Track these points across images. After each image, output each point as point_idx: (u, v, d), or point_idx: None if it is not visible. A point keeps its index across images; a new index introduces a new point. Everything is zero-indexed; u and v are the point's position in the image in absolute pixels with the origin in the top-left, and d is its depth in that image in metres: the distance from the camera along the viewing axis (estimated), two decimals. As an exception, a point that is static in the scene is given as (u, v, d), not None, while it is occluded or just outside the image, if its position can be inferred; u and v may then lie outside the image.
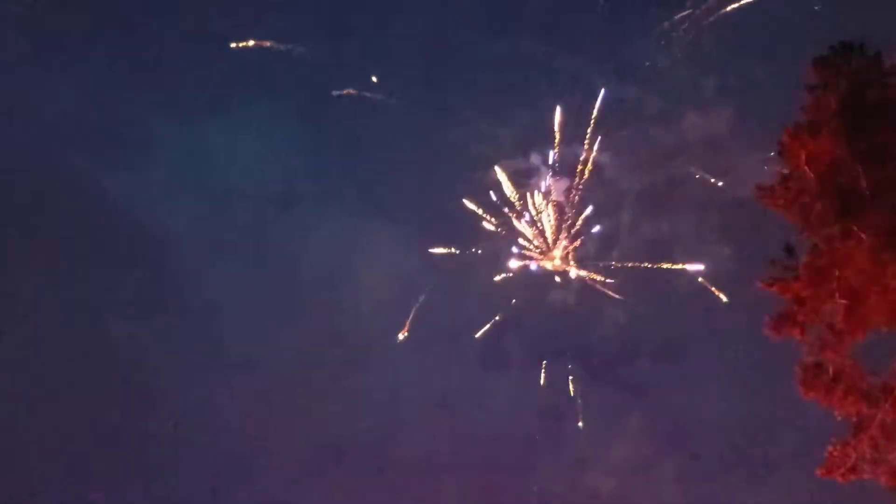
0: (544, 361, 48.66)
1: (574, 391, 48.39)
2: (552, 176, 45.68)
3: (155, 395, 47.45)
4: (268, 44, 46.78)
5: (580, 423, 48.12)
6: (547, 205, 45.84)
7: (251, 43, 46.63)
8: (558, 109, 44.96)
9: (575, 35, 47.10)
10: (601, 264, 47.02)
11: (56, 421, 45.93)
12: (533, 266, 46.90)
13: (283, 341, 48.79)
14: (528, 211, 46.10)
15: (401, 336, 47.21)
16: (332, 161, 51.05)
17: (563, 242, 46.92)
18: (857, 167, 17.23)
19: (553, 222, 46.48)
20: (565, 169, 46.44)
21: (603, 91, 45.08)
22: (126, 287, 49.08)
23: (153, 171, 50.03)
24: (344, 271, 49.74)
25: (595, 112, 44.84)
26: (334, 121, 49.55)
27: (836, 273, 17.23)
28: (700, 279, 45.24)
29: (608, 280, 47.36)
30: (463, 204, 45.98)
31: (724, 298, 44.71)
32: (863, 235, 16.99)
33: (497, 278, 46.37)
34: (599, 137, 45.65)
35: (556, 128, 44.92)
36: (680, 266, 45.43)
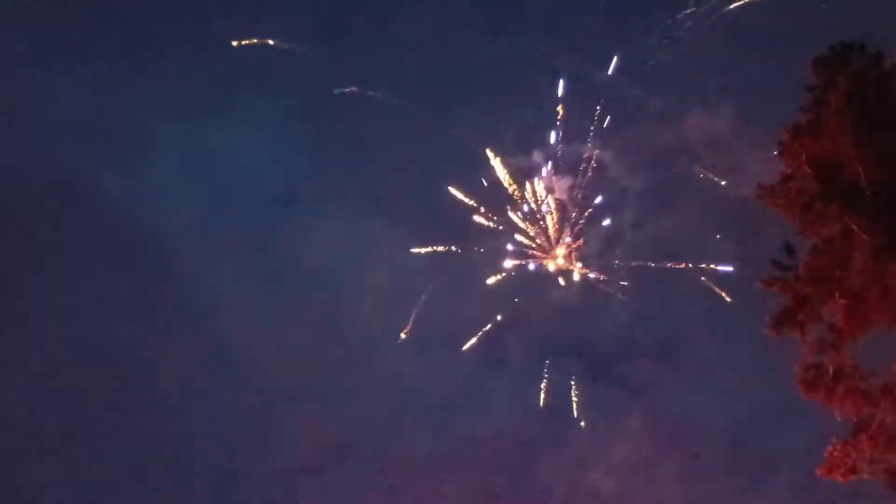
0: (545, 361, 48.71)
1: (575, 390, 48.39)
2: (555, 162, 45.38)
3: (155, 395, 47.44)
4: (270, 42, 46.78)
5: (581, 423, 48.13)
6: (547, 195, 45.61)
7: (253, 41, 46.63)
8: (561, 82, 44.70)
9: (576, 34, 47.07)
10: (617, 263, 46.83)
11: (55, 421, 45.91)
12: (531, 266, 46.85)
13: (284, 341, 48.78)
14: (526, 202, 45.92)
15: (402, 335, 47.21)
16: (333, 160, 51.00)
17: (566, 240, 46.77)
18: (857, 167, 17.23)
19: (555, 220, 46.38)
20: (567, 167, 46.39)
21: (605, 89, 45.14)
22: (126, 287, 49.01)
23: (153, 171, 50.04)
24: (345, 271, 49.73)
25: (597, 110, 44.84)
26: (336, 120, 49.49)
27: (837, 273, 17.24)
28: (703, 278, 45.16)
29: (611, 279, 47.34)
30: (463, 202, 45.92)
31: (726, 298, 44.65)
32: (863, 235, 16.99)
33: (490, 280, 46.21)
34: (602, 136, 45.64)
35: (560, 94, 44.44)
36: (709, 266, 45.15)
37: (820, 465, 17.89)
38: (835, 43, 18.05)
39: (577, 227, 46.94)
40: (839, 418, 17.62)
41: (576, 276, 47.22)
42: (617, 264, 47.45)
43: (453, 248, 46.94)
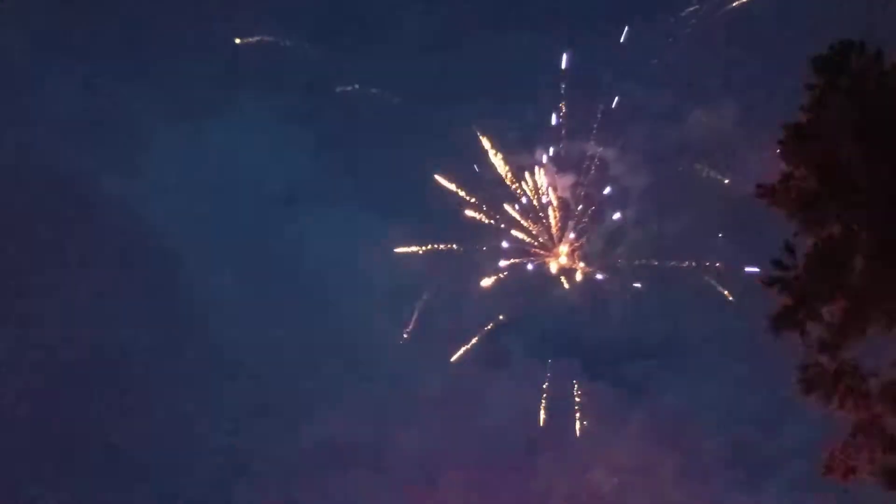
0: (546, 360, 48.72)
1: (576, 390, 48.38)
2: (556, 148, 45.19)
3: (154, 395, 47.50)
4: (269, 39, 46.77)
5: (582, 423, 48.10)
6: (548, 188, 45.47)
7: (255, 39, 46.64)
8: (565, 56, 44.61)
9: (581, 31, 47.11)
10: (620, 262, 46.68)
11: (55, 421, 45.96)
12: (530, 266, 46.75)
13: (284, 341, 48.84)
14: (525, 195, 45.79)
15: (405, 335, 47.17)
16: (333, 160, 51.14)
17: (570, 236, 46.56)
18: (857, 166, 17.17)
19: (557, 214, 46.19)
20: (570, 164, 46.29)
21: (608, 86, 45.07)
22: (126, 286, 49.15)
23: (153, 171, 50.12)
24: (345, 271, 49.83)
25: (601, 107, 44.75)
26: (336, 119, 49.66)
27: (837, 273, 17.19)
28: (707, 278, 45.05)
29: (614, 279, 47.21)
30: (465, 201, 45.82)
31: (729, 297, 44.57)
32: (863, 235, 16.95)
33: (485, 283, 46.15)
34: (605, 134, 45.57)
35: (563, 67, 44.25)
36: (713, 265, 44.98)
37: (819, 465, 17.86)
38: (834, 42, 17.99)
39: (581, 225, 46.83)
40: (839, 418, 17.59)
41: (578, 276, 47.17)
42: (620, 263, 47.45)
43: (454, 246, 46.92)
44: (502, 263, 46.72)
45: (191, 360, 48.25)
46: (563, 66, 44.99)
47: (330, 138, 50.97)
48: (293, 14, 49.79)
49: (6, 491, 43.33)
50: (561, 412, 48.14)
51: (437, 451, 47.92)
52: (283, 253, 50.63)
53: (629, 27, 45.39)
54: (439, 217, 47.11)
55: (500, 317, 47.98)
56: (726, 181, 45.02)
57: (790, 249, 17.78)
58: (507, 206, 46.07)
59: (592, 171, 46.11)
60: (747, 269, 43.94)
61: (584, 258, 47.31)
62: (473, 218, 46.01)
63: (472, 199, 46.00)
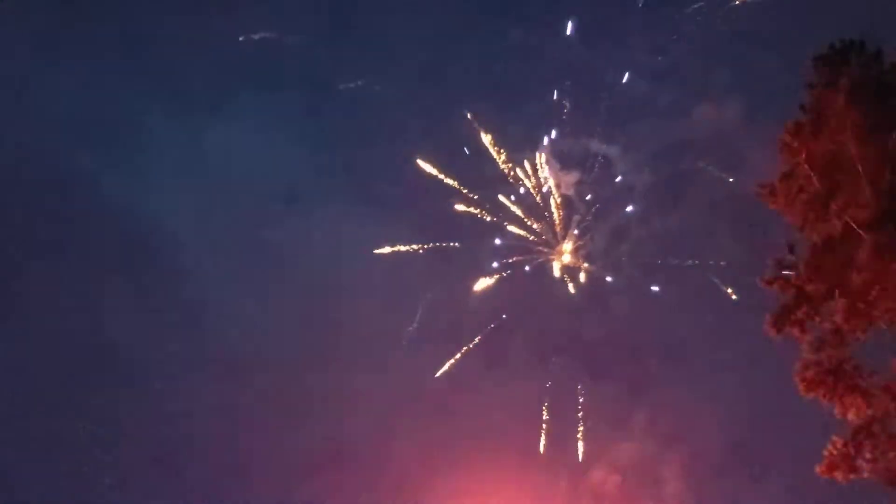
0: (547, 359, 48.65)
1: (576, 389, 48.34)
2: (559, 132, 44.95)
3: (154, 394, 47.45)
4: (268, 35, 46.78)
5: (583, 422, 48.08)
6: (549, 179, 45.25)
7: (256, 36, 46.63)
8: (570, 24, 44.49)
9: (585, 28, 47.02)
10: (643, 260, 46.25)
11: (55, 419, 45.90)
12: (527, 268, 46.62)
13: (282, 339, 48.79)
14: (529, 191, 45.60)
15: (406, 333, 47.14)
16: (333, 158, 51.03)
17: (574, 232, 46.37)
18: (857, 165, 17.18)
19: (558, 207, 45.98)
20: (573, 162, 46.14)
21: (612, 83, 44.98)
22: (125, 285, 49.05)
23: (153, 169, 50.10)
24: (345, 270, 49.70)
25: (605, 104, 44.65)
26: (338, 117, 49.60)
27: (837, 271, 17.21)
28: (715, 279, 44.91)
29: (618, 278, 47.04)
30: (468, 198, 45.67)
31: (733, 297, 44.44)
32: (864, 234, 16.96)
33: (485, 283, 46.01)
34: (609, 132, 45.45)
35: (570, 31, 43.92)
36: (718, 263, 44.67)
37: (820, 464, 17.88)
38: (835, 41, 18.01)
39: (584, 223, 46.63)
40: (839, 417, 17.60)
41: (582, 277, 46.97)
42: (623, 261, 47.28)
43: (456, 244, 46.78)
44: (504, 262, 46.68)
45: (190, 359, 48.24)
46: (569, 31, 44.72)
47: (330, 137, 50.98)
48: (293, 14, 49.81)
49: (6, 489, 43.38)
50: (562, 412, 48.17)
51: (438, 451, 47.92)
52: (283, 251, 50.62)
53: (633, 24, 45.49)
54: (440, 216, 47.08)
55: (504, 316, 47.94)
56: (730, 179, 44.84)
57: (791, 248, 17.82)
58: (509, 204, 45.98)
59: (596, 169, 46.01)
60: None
61: (587, 257, 47.15)
62: (475, 216, 45.98)
63: (475, 197, 45.96)
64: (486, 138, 45.01)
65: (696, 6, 44.31)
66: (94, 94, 48.71)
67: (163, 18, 48.86)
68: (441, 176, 45.83)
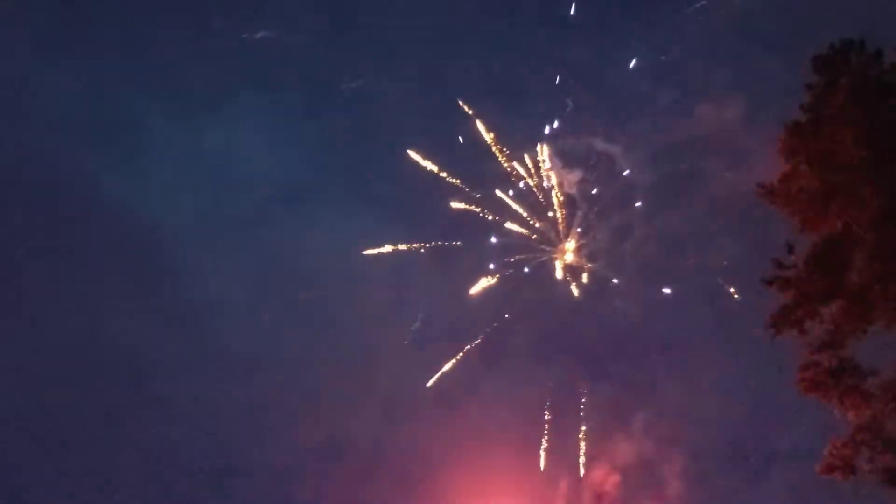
0: (548, 359, 48.60)
1: (578, 389, 48.32)
2: (562, 121, 44.77)
3: (153, 394, 47.42)
4: (271, 39, 46.75)
5: (584, 422, 48.08)
6: (551, 170, 45.09)
7: (255, 37, 46.62)
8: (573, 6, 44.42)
9: (588, 26, 46.96)
10: (645, 259, 46.03)
11: (55, 418, 45.90)
12: (526, 269, 46.52)
13: (283, 339, 48.76)
14: (532, 188, 45.44)
15: (408, 333, 47.09)
16: (334, 158, 50.98)
17: (577, 230, 46.25)
18: (857, 165, 17.18)
19: (560, 201, 45.84)
20: (576, 160, 46.02)
21: (615, 84, 44.90)
22: (124, 285, 49.02)
23: (153, 169, 50.05)
24: (345, 269, 49.63)
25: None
26: (338, 116, 49.54)
27: (836, 271, 17.20)
28: (718, 279, 44.78)
29: (620, 278, 46.95)
30: (471, 197, 45.57)
31: (735, 296, 44.33)
32: (863, 234, 16.95)
33: (486, 283, 45.90)
34: (612, 129, 45.33)
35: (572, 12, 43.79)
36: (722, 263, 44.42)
37: (820, 464, 17.89)
38: (835, 41, 17.99)
39: (587, 221, 46.50)
40: (838, 417, 17.61)
41: (585, 278, 46.84)
42: (626, 261, 47.16)
43: (459, 243, 46.69)
44: (506, 261, 46.61)
45: (189, 359, 48.19)
46: (572, 11, 44.59)
47: (330, 137, 50.92)
48: (293, 13, 49.78)
49: (5, 489, 43.37)
50: (563, 411, 48.12)
51: (438, 451, 47.88)
52: (283, 251, 50.58)
53: (636, 22, 45.44)
54: (441, 215, 47.01)
55: (506, 315, 47.87)
56: (734, 178, 44.70)
57: (790, 248, 17.81)
58: (510, 202, 45.88)
59: (599, 167, 45.91)
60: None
61: (590, 255, 47.02)
62: (477, 214, 45.92)
63: (478, 196, 45.88)
64: (482, 128, 44.89)
65: (698, 5, 44.28)
66: (94, 94, 48.69)
67: (163, 18, 48.86)
68: (443, 174, 45.80)
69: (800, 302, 17.43)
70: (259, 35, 47.21)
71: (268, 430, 48.08)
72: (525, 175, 45.23)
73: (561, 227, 46.47)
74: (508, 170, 45.30)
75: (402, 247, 46.10)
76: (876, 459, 17.31)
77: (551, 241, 46.67)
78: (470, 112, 44.72)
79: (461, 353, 47.25)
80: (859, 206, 17.13)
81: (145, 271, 49.21)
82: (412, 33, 49.16)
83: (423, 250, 46.83)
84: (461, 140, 45.04)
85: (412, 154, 44.55)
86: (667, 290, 46.45)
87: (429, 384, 45.65)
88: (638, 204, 46.91)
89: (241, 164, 50.70)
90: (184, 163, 50.31)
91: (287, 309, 49.42)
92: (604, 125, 45.40)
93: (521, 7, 49.11)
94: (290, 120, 50.83)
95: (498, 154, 44.81)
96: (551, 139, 45.36)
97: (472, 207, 45.67)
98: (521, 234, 46.32)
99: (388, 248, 45.66)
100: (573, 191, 46.47)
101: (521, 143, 45.95)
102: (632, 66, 45.77)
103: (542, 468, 47.85)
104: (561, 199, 46.05)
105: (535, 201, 46.08)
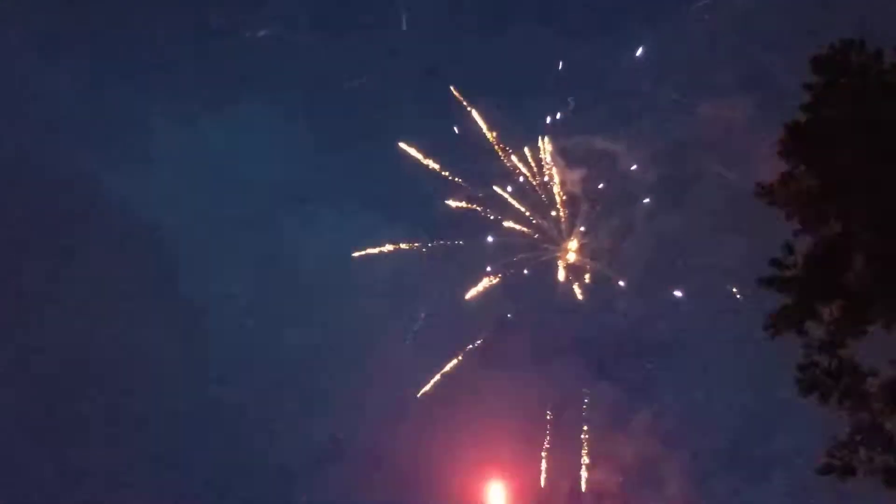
0: (549, 359, 48.60)
1: (577, 388, 48.32)
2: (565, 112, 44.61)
3: (153, 394, 47.46)
4: (271, 38, 46.74)
5: (586, 422, 48.07)
6: (552, 164, 44.98)
7: (255, 37, 46.62)
8: None
9: (590, 24, 46.95)
10: (648, 258, 45.81)
11: (55, 418, 45.95)
12: (526, 271, 46.43)
13: (283, 339, 48.78)
14: (525, 177, 45.28)
15: (412, 332, 47.08)
16: (335, 158, 51.00)
17: (580, 229, 46.15)
18: (857, 166, 17.16)
19: (561, 195, 45.78)
20: (578, 158, 45.98)
21: (618, 81, 44.82)
22: (125, 285, 49.08)
23: (154, 168, 50.09)
24: (346, 269, 49.67)
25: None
26: (339, 116, 49.58)
27: (836, 272, 17.18)
28: (722, 280, 44.68)
29: (622, 277, 46.88)
30: (473, 196, 45.50)
31: (738, 296, 44.29)
32: (863, 234, 16.94)
33: (468, 295, 45.83)
34: (614, 128, 45.27)
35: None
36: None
37: (819, 464, 17.86)
38: (835, 41, 17.95)
39: (589, 220, 46.44)
40: (838, 418, 17.59)
41: (587, 279, 46.75)
42: (628, 260, 47.10)
43: (460, 242, 46.67)
44: (508, 260, 46.58)
45: (189, 358, 48.23)
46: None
47: (331, 136, 50.91)
48: (293, 13, 49.82)
49: (5, 488, 43.38)
50: (564, 411, 48.12)
51: (439, 451, 47.86)
52: (284, 251, 50.61)
53: (639, 21, 45.41)
54: (442, 214, 47.05)
55: (509, 315, 47.83)
56: (737, 177, 44.63)
57: (790, 248, 17.78)
58: (512, 201, 45.84)
59: (601, 166, 45.85)
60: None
61: (592, 255, 46.94)
62: (478, 213, 45.90)
63: (480, 195, 45.85)
64: (484, 125, 44.85)
65: (701, 4, 44.27)
66: (94, 94, 48.73)
67: (163, 18, 48.89)
68: (445, 173, 45.79)
69: (799, 302, 17.40)
70: (260, 34, 47.27)
71: (268, 430, 48.13)
72: (527, 173, 45.22)
73: (563, 219, 46.37)
74: (510, 167, 45.30)
75: (405, 246, 46.08)
76: (875, 459, 17.29)
77: (553, 239, 46.64)
78: (470, 109, 44.71)
79: (462, 354, 47.23)
80: (859, 206, 17.10)
81: (145, 271, 49.26)
82: (412, 32, 49.20)
83: (424, 250, 46.84)
84: (456, 130, 45.05)
85: (405, 146, 44.46)
86: (678, 294, 46.32)
87: (429, 384, 45.62)
88: (641, 204, 46.89)
89: (242, 164, 50.80)
90: (184, 163, 50.34)
91: (287, 309, 49.47)
92: (606, 123, 45.40)
93: (523, 5, 49.15)
94: (290, 120, 50.90)
95: (499, 151, 44.79)
96: (553, 136, 45.33)
97: (474, 206, 45.68)
98: (524, 232, 46.32)
99: (389, 248, 45.64)
100: (575, 189, 46.45)
101: (522, 140, 45.95)
102: (634, 64, 45.76)
103: (543, 468, 47.89)
104: (563, 197, 46.02)
105: (538, 199, 46.09)
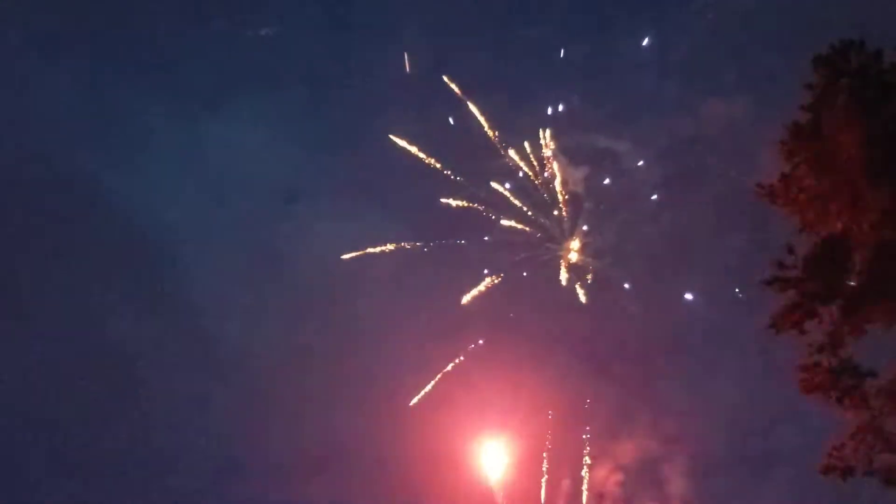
0: (549, 359, 48.60)
1: (578, 388, 48.33)
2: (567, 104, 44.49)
3: (153, 393, 47.48)
4: (271, 38, 46.80)
5: (586, 422, 48.09)
6: (553, 159, 44.95)
7: (258, 34, 46.68)
8: None
9: (591, 23, 46.96)
10: (649, 258, 45.71)
11: (53, 418, 45.95)
12: (526, 273, 46.40)
13: (283, 339, 48.78)
14: (527, 174, 45.17)
15: (409, 332, 47.07)
16: (335, 157, 51.04)
17: (583, 227, 46.13)
18: (857, 165, 17.16)
19: (562, 191, 45.77)
20: (580, 157, 45.97)
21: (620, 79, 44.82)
22: (124, 285, 49.12)
23: (153, 168, 50.13)
24: (344, 269, 49.65)
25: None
26: (338, 115, 49.63)
27: (836, 272, 17.20)
28: (723, 279, 44.60)
29: (623, 276, 46.87)
30: (474, 195, 45.52)
31: (739, 295, 44.27)
32: (863, 234, 16.95)
33: (468, 296, 45.79)
34: (616, 126, 45.26)
35: None
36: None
37: (819, 464, 17.89)
38: (835, 41, 17.96)
39: (591, 219, 46.43)
40: (838, 418, 17.62)
41: (589, 279, 46.71)
42: (629, 260, 47.08)
43: (462, 241, 46.65)
44: (509, 259, 46.60)
45: (189, 358, 48.27)
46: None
47: (330, 137, 50.98)
48: (293, 12, 49.86)
49: (5, 488, 43.41)
50: (566, 411, 48.14)
51: (439, 451, 47.87)
52: (283, 251, 50.63)
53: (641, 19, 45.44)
54: (443, 213, 47.05)
55: (510, 315, 47.83)
56: (739, 176, 44.59)
57: (790, 248, 17.80)
58: (515, 200, 45.83)
59: (603, 164, 45.86)
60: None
61: (594, 254, 46.94)
62: (480, 212, 45.91)
63: (482, 194, 45.85)
64: (485, 123, 44.84)
65: (702, 1, 44.31)
66: (94, 94, 48.76)
67: (163, 18, 48.93)
68: (446, 172, 45.81)
69: (800, 302, 17.43)
70: (260, 33, 47.30)
71: (267, 430, 48.13)
72: (528, 170, 45.22)
73: (565, 214, 46.34)
74: (510, 165, 45.34)
75: (407, 245, 46.11)
76: (875, 459, 17.32)
77: (555, 238, 46.65)
78: (469, 104, 44.73)
79: (462, 354, 47.24)
80: (859, 206, 17.11)
81: (145, 271, 49.29)
82: (412, 32, 49.24)
83: (425, 249, 46.86)
84: (451, 121, 45.04)
85: (395, 139, 44.43)
86: (688, 297, 46.29)
87: (429, 385, 45.63)
88: (642, 203, 46.90)
89: (242, 163, 50.78)
90: (184, 162, 50.37)
91: (287, 309, 49.49)
92: (608, 122, 45.41)
93: (524, 3, 49.17)
94: (290, 118, 50.92)
95: (498, 147, 44.84)
96: (555, 133, 45.29)
97: (474, 205, 45.70)
98: (525, 231, 46.33)
99: (389, 247, 45.64)
100: (577, 188, 46.46)
101: (522, 136, 45.95)
102: (636, 62, 45.79)
103: (544, 468, 47.91)
104: (565, 196, 46.03)
105: (539, 198, 46.10)
